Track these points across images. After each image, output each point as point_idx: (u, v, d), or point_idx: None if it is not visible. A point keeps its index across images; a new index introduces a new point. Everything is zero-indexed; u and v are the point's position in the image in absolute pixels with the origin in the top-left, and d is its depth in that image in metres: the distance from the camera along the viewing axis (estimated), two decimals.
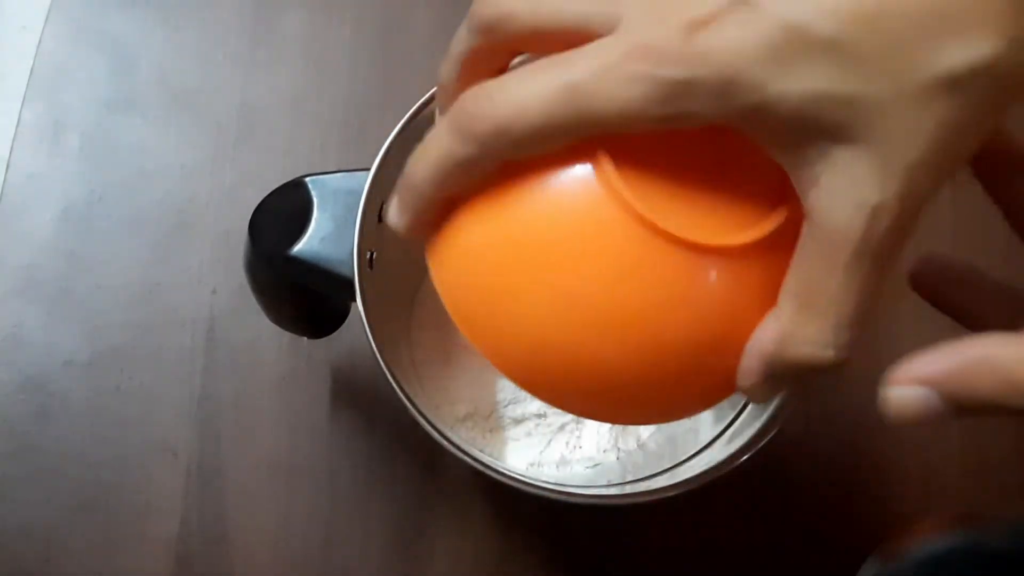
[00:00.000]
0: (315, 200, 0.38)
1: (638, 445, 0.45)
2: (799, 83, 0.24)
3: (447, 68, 0.30)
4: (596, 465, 0.45)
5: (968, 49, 0.24)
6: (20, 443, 0.47)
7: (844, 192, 0.25)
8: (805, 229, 0.26)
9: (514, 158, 0.27)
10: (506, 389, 0.46)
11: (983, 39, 0.24)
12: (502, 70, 0.29)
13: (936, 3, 0.24)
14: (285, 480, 0.47)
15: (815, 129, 0.25)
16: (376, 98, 0.53)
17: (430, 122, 0.40)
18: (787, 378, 0.28)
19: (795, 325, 0.26)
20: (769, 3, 0.24)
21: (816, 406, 0.37)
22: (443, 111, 0.30)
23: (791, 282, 0.27)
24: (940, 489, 0.47)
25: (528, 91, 0.26)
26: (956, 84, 0.24)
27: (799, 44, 0.24)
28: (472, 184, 0.28)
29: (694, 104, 0.25)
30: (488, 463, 0.37)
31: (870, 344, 0.49)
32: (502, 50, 0.29)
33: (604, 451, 0.45)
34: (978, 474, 0.48)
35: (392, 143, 0.39)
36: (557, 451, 0.45)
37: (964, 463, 0.48)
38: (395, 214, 0.30)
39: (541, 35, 0.27)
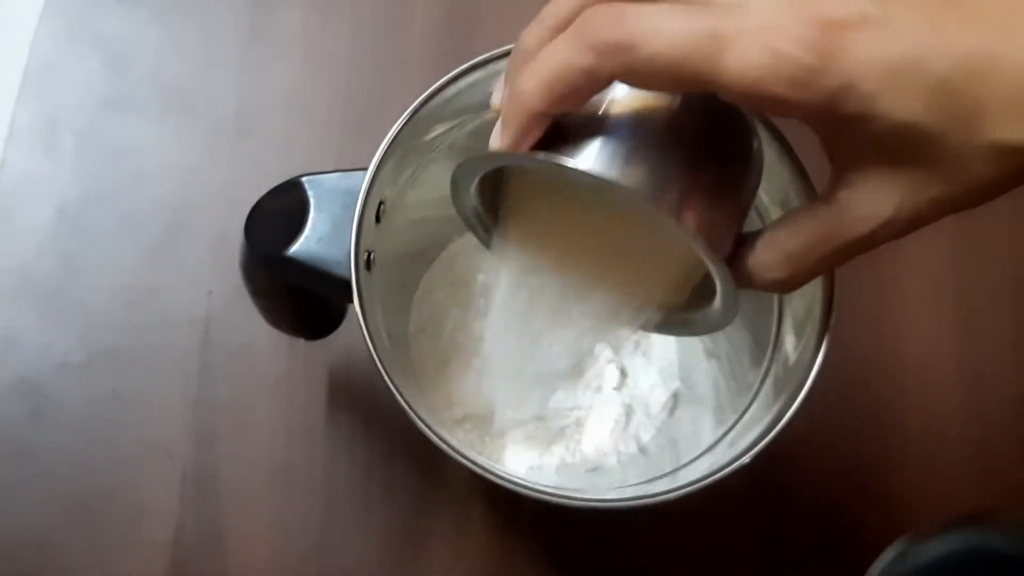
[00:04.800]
0: (312, 200, 0.38)
1: (639, 448, 0.45)
2: (904, 110, 0.27)
3: (537, 76, 0.29)
4: (596, 468, 0.45)
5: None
6: (13, 446, 0.47)
7: (869, 200, 0.29)
8: (817, 208, 0.30)
9: (624, 80, 0.28)
10: (506, 391, 0.45)
11: None
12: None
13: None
14: (281, 483, 0.47)
15: (886, 146, 0.28)
16: (374, 97, 0.52)
17: (429, 120, 0.40)
18: (751, 285, 0.32)
19: (771, 269, 0.32)
20: (902, 26, 0.27)
21: (819, 409, 0.37)
22: (507, 118, 0.30)
23: (785, 239, 0.31)
24: (944, 491, 0.47)
25: (663, 21, 0.27)
26: (1006, 152, 0.27)
27: (916, 75, 0.27)
28: (579, 102, 0.29)
29: (807, 93, 0.27)
30: (487, 466, 0.36)
31: (872, 350, 0.50)
32: (608, 78, 0.29)
33: (604, 454, 0.45)
34: (983, 476, 0.47)
35: (390, 142, 0.38)
36: (557, 454, 0.45)
37: (969, 465, 0.48)
38: (498, 133, 0.31)
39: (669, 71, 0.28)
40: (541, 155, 0.30)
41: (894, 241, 0.30)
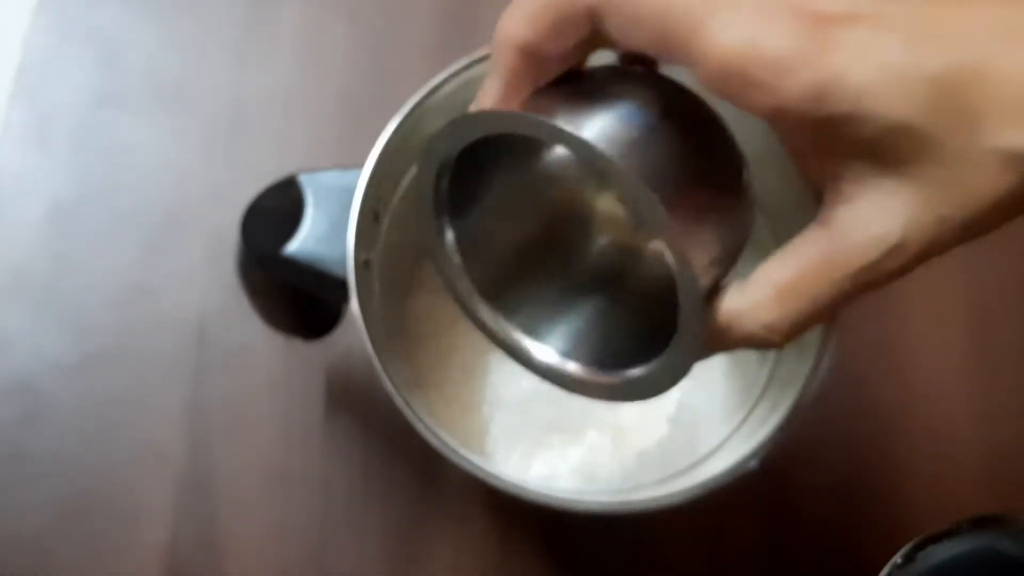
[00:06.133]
0: (309, 198, 0.38)
1: (641, 452, 0.45)
2: (896, 109, 0.25)
3: (520, 7, 0.28)
4: (598, 472, 0.45)
5: None
6: (6, 448, 0.47)
7: (872, 218, 0.26)
8: (813, 234, 0.27)
9: (603, 20, 0.27)
10: (506, 393, 0.45)
11: None
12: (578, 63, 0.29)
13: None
14: (278, 485, 0.46)
15: (879, 151, 0.26)
16: (372, 93, 0.52)
17: (429, 118, 0.40)
18: (727, 341, 0.29)
19: (757, 308, 0.28)
20: (895, 26, 0.25)
21: (825, 411, 0.37)
22: (496, 61, 0.29)
23: (775, 271, 0.28)
24: (953, 494, 0.47)
25: None
26: (1012, 160, 0.25)
27: (910, 74, 0.25)
28: (564, 45, 0.28)
29: (789, 82, 0.25)
30: (486, 469, 0.36)
31: (880, 351, 0.49)
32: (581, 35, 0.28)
33: (606, 458, 0.45)
34: (993, 479, 0.47)
35: (388, 139, 0.38)
36: (558, 457, 0.45)
37: (978, 468, 0.47)
38: (484, 89, 0.29)
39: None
40: (534, 116, 0.27)
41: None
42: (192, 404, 0.47)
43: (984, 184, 0.25)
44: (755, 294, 0.28)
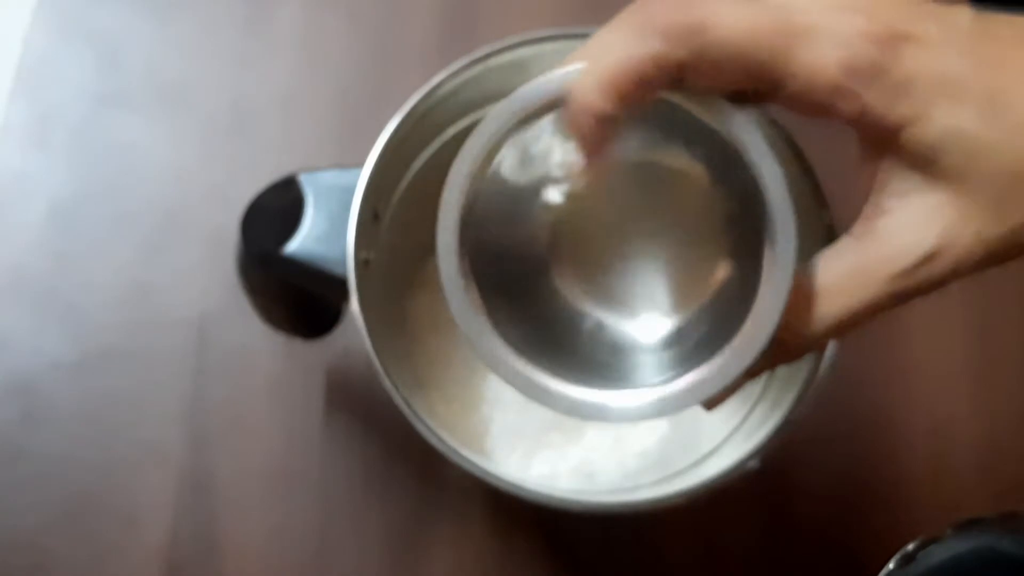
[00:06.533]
0: (309, 197, 0.38)
1: (641, 452, 0.45)
2: (951, 116, 0.27)
3: (596, 75, 0.27)
4: (598, 471, 0.44)
5: None
6: (5, 448, 0.46)
7: (909, 226, 0.27)
8: (844, 244, 0.29)
9: (690, 71, 0.27)
10: (507, 394, 0.45)
11: None
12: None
13: None
14: (278, 486, 0.46)
15: (933, 158, 0.27)
16: (372, 92, 0.52)
17: (429, 118, 0.40)
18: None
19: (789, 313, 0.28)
20: (960, 48, 0.27)
21: (825, 410, 0.37)
22: (572, 128, 0.29)
23: (808, 281, 0.28)
24: (954, 494, 0.47)
25: (730, 7, 0.27)
26: None
27: (969, 87, 0.27)
28: (643, 96, 0.28)
29: (872, 90, 0.27)
30: (486, 469, 0.36)
31: (881, 351, 0.49)
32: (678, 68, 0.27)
33: (606, 457, 0.45)
34: (993, 478, 0.47)
35: (388, 139, 0.38)
36: (558, 457, 0.45)
37: (978, 467, 0.47)
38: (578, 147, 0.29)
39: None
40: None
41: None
42: (192, 404, 0.47)
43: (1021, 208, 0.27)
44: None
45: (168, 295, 0.49)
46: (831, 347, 0.37)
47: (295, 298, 0.42)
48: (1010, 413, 0.48)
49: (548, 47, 0.39)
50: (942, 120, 0.27)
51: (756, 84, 0.28)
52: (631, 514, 0.42)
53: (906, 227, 0.27)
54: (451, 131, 0.41)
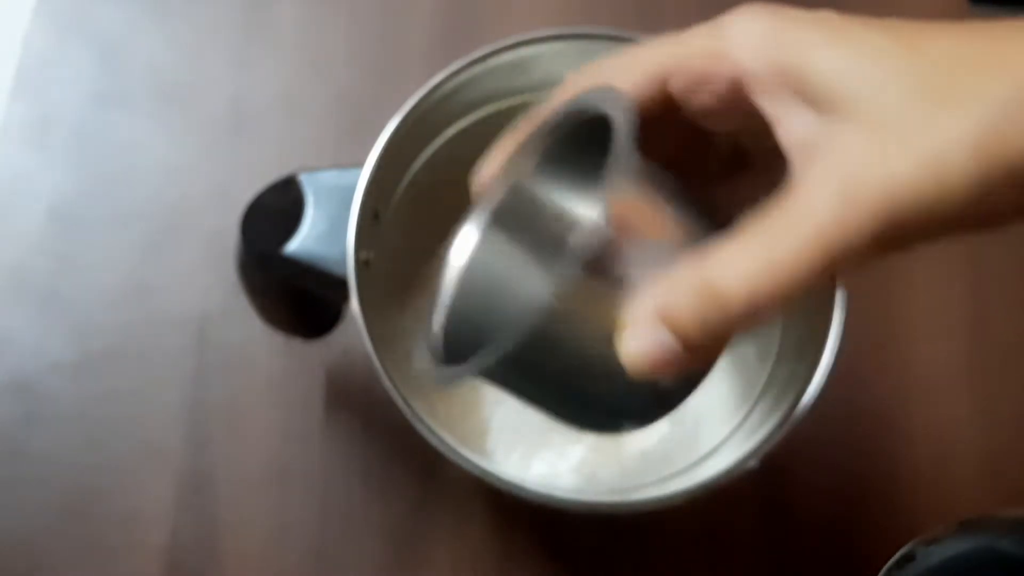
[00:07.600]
0: (309, 197, 0.38)
1: (641, 452, 0.45)
2: (841, 55, 0.26)
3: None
4: (598, 471, 0.44)
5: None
6: (6, 448, 0.46)
7: (814, 178, 0.25)
8: (770, 211, 0.26)
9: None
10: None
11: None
12: None
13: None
14: (278, 485, 0.46)
15: (821, 92, 0.26)
16: (372, 92, 0.52)
17: (428, 118, 0.40)
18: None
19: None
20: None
21: (825, 411, 0.37)
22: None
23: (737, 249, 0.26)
24: (953, 494, 0.46)
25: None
26: (981, 149, 0.24)
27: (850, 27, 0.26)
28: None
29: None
30: (488, 469, 0.36)
31: (881, 351, 0.49)
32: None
33: (606, 457, 0.45)
34: (992, 478, 0.47)
35: (388, 139, 0.38)
36: (558, 457, 0.45)
37: (978, 468, 0.47)
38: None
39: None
40: None
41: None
42: (192, 404, 0.47)
43: (943, 152, 0.24)
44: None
45: (168, 295, 0.49)
46: (831, 347, 0.37)
47: (295, 298, 0.42)
48: (1010, 413, 0.48)
49: (548, 47, 0.39)
50: (828, 52, 0.26)
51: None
52: (631, 514, 0.42)
53: (821, 178, 0.25)
54: (451, 131, 0.41)
